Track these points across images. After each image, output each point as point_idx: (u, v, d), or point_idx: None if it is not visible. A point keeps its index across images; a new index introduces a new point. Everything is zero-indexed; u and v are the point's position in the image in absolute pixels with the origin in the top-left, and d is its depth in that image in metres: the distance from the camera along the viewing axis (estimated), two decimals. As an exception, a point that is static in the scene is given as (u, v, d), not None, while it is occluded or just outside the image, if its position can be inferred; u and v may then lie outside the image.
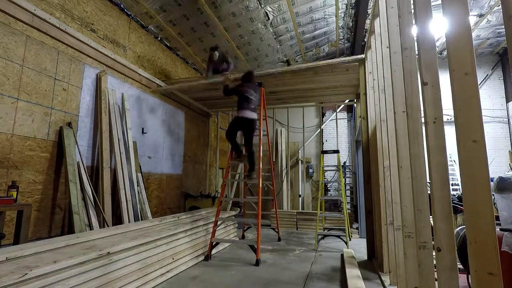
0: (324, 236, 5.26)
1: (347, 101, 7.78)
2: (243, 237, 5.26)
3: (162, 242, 3.09)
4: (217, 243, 4.05)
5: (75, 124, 4.11)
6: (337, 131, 7.97)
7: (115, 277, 2.40)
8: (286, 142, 8.60)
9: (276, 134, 8.75)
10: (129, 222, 4.46)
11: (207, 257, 3.78)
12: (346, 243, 4.60)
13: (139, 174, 5.08)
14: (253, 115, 4.26)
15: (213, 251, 4.07)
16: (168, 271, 3.05)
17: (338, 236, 4.89)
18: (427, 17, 1.64)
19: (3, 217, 3.04)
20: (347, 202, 7.84)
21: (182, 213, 4.57)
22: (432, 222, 1.51)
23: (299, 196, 8.20)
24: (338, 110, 8.57)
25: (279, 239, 5.18)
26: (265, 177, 7.96)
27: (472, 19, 5.87)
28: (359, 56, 4.57)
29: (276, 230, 5.35)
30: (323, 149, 8.57)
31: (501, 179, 2.15)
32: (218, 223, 4.15)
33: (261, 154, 4.34)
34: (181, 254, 3.41)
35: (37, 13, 3.56)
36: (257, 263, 3.58)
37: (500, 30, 6.33)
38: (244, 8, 5.43)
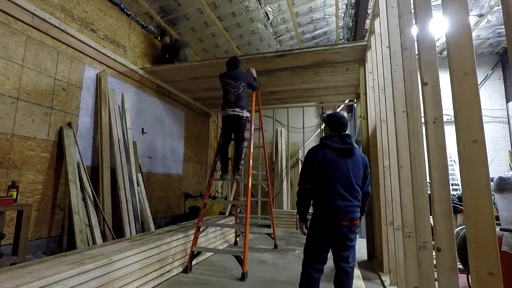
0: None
1: (347, 101, 7.77)
2: (235, 243, 4.78)
3: (161, 242, 3.10)
4: (199, 252, 3.55)
5: (75, 124, 4.11)
6: (337, 131, 7.95)
7: (115, 277, 2.40)
8: (286, 142, 8.60)
9: (276, 134, 8.75)
10: (129, 222, 4.46)
11: (186, 269, 3.24)
12: None
13: (139, 174, 5.08)
14: (239, 111, 3.60)
15: (200, 259, 3.65)
16: (168, 271, 3.05)
17: None
18: (427, 17, 1.64)
19: (3, 217, 3.04)
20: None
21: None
22: (432, 222, 1.51)
23: (299, 196, 8.19)
24: (338, 110, 8.56)
25: (275, 246, 4.53)
26: (261, 177, 7.94)
27: (472, 19, 5.87)
28: (362, 42, 4.17)
29: (272, 235, 4.66)
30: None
31: (501, 179, 2.15)
32: (201, 228, 3.61)
33: (251, 149, 3.82)
34: (181, 254, 3.40)
35: (37, 13, 3.56)
36: (242, 277, 3.02)
37: (500, 30, 6.32)
38: (244, 8, 5.43)
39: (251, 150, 3.77)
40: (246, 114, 3.68)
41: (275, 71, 5.20)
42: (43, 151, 3.66)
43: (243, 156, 3.83)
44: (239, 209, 4.84)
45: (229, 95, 3.67)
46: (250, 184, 3.51)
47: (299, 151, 8.53)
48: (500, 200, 2.13)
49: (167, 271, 3.06)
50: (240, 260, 3.14)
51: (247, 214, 3.37)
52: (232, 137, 3.85)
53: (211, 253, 3.92)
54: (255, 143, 6.17)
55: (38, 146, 3.60)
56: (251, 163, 3.70)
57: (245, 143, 3.79)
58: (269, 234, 4.84)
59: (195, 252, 3.38)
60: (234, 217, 4.90)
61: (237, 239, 4.83)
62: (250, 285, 2.94)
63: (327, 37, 6.75)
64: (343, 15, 5.91)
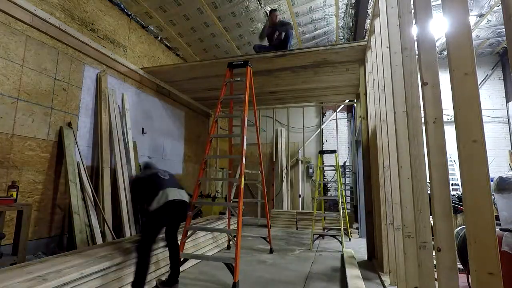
0: (324, 236, 5.25)
1: (347, 101, 7.78)
2: (228, 247, 4.55)
3: (162, 242, 3.09)
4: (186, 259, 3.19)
5: (75, 124, 4.11)
6: (337, 131, 7.97)
7: (116, 276, 2.39)
8: (286, 142, 8.60)
9: (276, 134, 8.75)
10: (129, 222, 4.46)
11: None
12: (341, 243, 4.53)
13: (139, 174, 5.08)
14: (184, 194, 2.85)
15: (187, 265, 3.39)
16: (167, 271, 3.05)
17: (334, 236, 4.83)
18: (427, 17, 1.64)
19: (3, 217, 3.04)
20: (347, 202, 7.83)
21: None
22: (432, 222, 1.51)
23: (299, 196, 8.20)
24: (338, 110, 8.57)
25: (271, 251, 4.26)
26: (254, 176, 7.91)
27: (472, 19, 5.87)
28: (362, 42, 4.15)
29: (268, 239, 4.35)
30: (321, 149, 8.57)
31: (501, 179, 2.15)
32: (189, 233, 3.28)
33: (244, 147, 3.45)
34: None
35: (37, 13, 3.55)
36: (234, 287, 2.69)
37: (500, 30, 6.32)
38: (244, 8, 5.43)
39: (244, 148, 3.43)
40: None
41: (275, 71, 5.19)
42: (43, 151, 3.66)
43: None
44: (231, 212, 4.54)
45: (164, 182, 2.83)
46: (242, 184, 3.17)
47: (299, 151, 8.53)
48: (500, 200, 2.13)
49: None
50: (231, 269, 2.79)
51: (239, 217, 3.03)
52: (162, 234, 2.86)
53: (199, 260, 3.60)
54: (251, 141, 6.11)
55: (38, 146, 3.60)
56: (244, 161, 3.33)
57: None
58: (264, 238, 4.52)
59: (181, 259, 3.04)
60: (236, 218, 4.57)
61: (230, 243, 4.59)
62: (250, 285, 2.94)
63: (327, 37, 6.75)
64: (343, 15, 5.91)
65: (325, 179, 8.36)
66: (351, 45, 4.26)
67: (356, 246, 4.74)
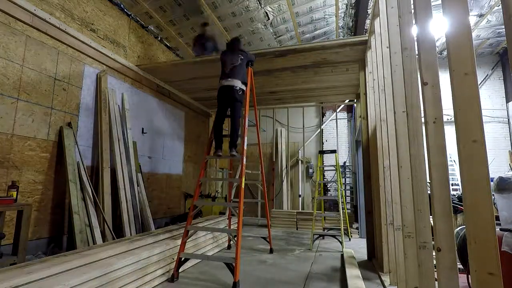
0: (324, 236, 5.25)
1: (347, 101, 7.78)
2: (229, 247, 4.55)
3: (161, 242, 3.10)
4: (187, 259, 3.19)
5: (75, 124, 4.11)
6: (337, 131, 7.97)
7: (116, 276, 2.39)
8: (286, 142, 8.60)
9: (276, 134, 8.75)
10: (129, 222, 4.46)
11: (173, 277, 2.95)
12: (341, 243, 4.53)
13: (139, 174, 5.08)
14: (235, 82, 3.57)
15: (188, 265, 3.38)
16: (168, 271, 3.05)
17: (334, 236, 4.83)
18: (427, 17, 1.64)
19: (3, 217, 3.04)
20: (347, 202, 7.83)
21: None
22: (432, 222, 1.51)
23: (299, 196, 8.20)
24: (338, 110, 8.57)
25: (271, 251, 4.26)
26: (254, 176, 7.92)
27: (472, 19, 5.87)
28: (362, 37, 4.14)
29: (268, 239, 4.35)
30: (321, 149, 8.57)
31: (501, 179, 2.15)
32: (190, 232, 3.27)
33: (245, 147, 3.50)
34: (167, 260, 3.27)
35: (37, 13, 3.56)
36: (234, 286, 2.71)
37: (500, 30, 6.32)
38: (244, 8, 5.43)
39: (245, 148, 3.45)
40: (241, 86, 3.61)
41: (275, 71, 5.19)
42: (43, 151, 3.66)
43: (239, 132, 3.69)
44: (231, 212, 4.57)
45: (227, 66, 3.70)
46: (243, 184, 3.15)
47: (299, 151, 8.53)
48: (500, 200, 2.13)
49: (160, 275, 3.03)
50: (232, 268, 2.81)
51: (239, 217, 3.04)
52: (228, 113, 3.77)
53: (200, 260, 3.60)
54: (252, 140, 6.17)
55: (38, 146, 3.60)
56: (244, 162, 3.34)
57: (241, 119, 3.70)
58: (264, 238, 4.52)
59: (182, 259, 3.06)
60: (236, 218, 4.51)
61: (231, 242, 4.59)
62: (250, 285, 2.94)
63: (327, 37, 6.76)
64: (343, 15, 5.91)
65: (325, 179, 8.36)
66: (350, 40, 4.22)
67: (356, 246, 4.74)
